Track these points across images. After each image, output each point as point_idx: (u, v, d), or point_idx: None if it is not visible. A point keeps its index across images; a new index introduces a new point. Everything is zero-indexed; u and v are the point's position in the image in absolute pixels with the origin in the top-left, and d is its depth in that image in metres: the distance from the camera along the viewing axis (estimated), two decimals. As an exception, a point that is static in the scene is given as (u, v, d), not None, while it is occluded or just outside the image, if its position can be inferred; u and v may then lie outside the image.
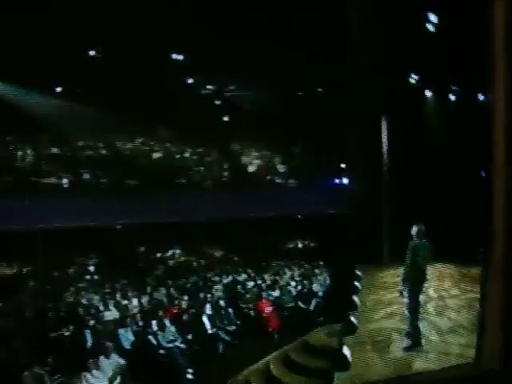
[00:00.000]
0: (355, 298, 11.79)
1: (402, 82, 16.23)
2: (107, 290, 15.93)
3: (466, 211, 14.98)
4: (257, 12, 16.17)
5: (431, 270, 14.72)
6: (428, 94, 17.17)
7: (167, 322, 13.14)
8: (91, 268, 18.94)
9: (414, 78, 16.44)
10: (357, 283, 13.23)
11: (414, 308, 9.05)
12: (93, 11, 15.77)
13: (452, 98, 17.12)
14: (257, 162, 23.31)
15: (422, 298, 9.54)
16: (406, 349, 8.85)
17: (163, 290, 16.38)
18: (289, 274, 18.64)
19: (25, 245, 16.69)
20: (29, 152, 18.37)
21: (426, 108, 17.21)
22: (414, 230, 9.37)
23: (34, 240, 16.85)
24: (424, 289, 9.52)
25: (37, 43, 16.07)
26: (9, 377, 9.61)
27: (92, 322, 13.02)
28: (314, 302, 16.07)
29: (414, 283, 9.12)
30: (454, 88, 17.08)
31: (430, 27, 13.58)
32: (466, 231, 14.53)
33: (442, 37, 13.71)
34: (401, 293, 9.18)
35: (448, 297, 11.90)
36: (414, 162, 16.01)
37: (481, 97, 15.17)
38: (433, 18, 13.29)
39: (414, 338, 8.92)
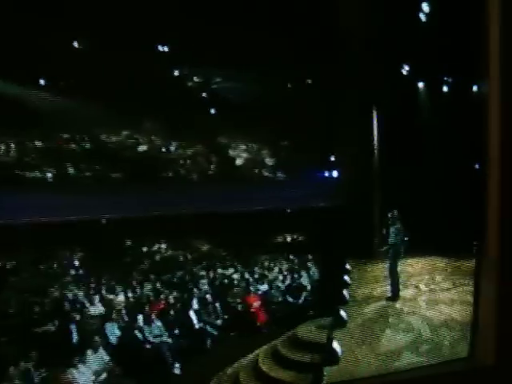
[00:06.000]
0: (345, 292, 11.74)
1: (394, 72, 16.16)
2: (92, 285, 15.73)
3: (459, 203, 14.97)
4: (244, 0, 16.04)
5: (422, 264, 14.80)
6: (420, 85, 17.12)
7: (154, 317, 13.02)
8: (76, 262, 18.69)
9: (405, 69, 16.38)
10: (346, 277, 13.18)
11: (391, 272, 12.02)
12: (77, 2, 15.60)
13: (445, 89, 17.06)
14: (244, 155, 23.16)
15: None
16: (387, 299, 11.75)
17: (149, 285, 16.24)
18: (277, 268, 18.54)
19: (8, 239, 16.45)
20: (12, 145, 18.11)
21: (417, 99, 17.18)
22: (390, 215, 12.47)
23: (18, 234, 16.61)
24: (399, 262, 12.42)
25: (19, 34, 15.81)
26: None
27: (78, 317, 12.84)
28: (303, 296, 16.01)
29: (392, 256, 12.10)
30: (447, 79, 17.02)
31: (422, 16, 13.53)
32: (458, 224, 14.52)
33: (434, 26, 13.66)
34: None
35: (440, 290, 11.90)
36: (405, 154, 15.95)
37: (474, 88, 15.09)
38: (425, 7, 13.23)
39: (393, 292, 11.77)
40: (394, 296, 11.53)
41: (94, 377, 10.39)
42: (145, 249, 21.32)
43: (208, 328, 14.04)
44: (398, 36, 14.26)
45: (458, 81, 16.44)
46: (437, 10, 13.22)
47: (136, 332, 12.51)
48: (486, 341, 6.72)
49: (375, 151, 16.55)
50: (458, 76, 16.30)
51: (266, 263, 19.24)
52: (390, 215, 11.97)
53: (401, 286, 11.90)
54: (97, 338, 11.51)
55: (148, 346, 12.29)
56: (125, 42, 17.46)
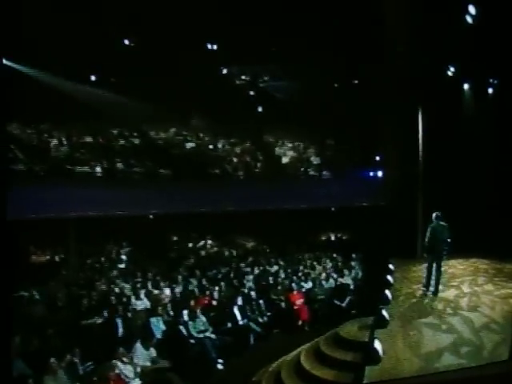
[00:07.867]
0: (387, 292, 11.66)
1: (440, 73, 15.99)
2: (139, 279, 15.96)
3: (503, 206, 14.79)
4: (292, 2, 16.13)
5: (465, 265, 14.64)
6: (466, 86, 16.93)
7: (198, 313, 13.12)
8: (123, 257, 19.01)
9: (451, 70, 16.21)
10: (389, 277, 13.10)
11: (435, 272, 11.85)
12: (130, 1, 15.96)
13: (491, 90, 16.83)
14: (290, 153, 23.22)
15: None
16: (421, 296, 11.85)
17: (194, 281, 16.39)
18: (321, 266, 18.51)
19: (58, 233, 16.86)
20: (63, 140, 18.53)
21: (463, 101, 16.97)
22: (433, 215, 11.88)
23: (67, 228, 17.01)
24: (442, 260, 12.06)
25: (72, 31, 16.16)
26: (41, 364, 9.66)
27: (124, 311, 13.03)
28: (346, 295, 15.93)
29: (434, 255, 11.87)
30: (493, 81, 16.78)
31: (469, 19, 13.42)
32: (502, 227, 14.33)
33: (480, 28, 13.50)
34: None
35: (482, 292, 11.71)
36: (450, 155, 15.76)
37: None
38: (472, 9, 13.13)
39: (427, 288, 11.97)
40: (434, 295, 11.46)
41: (138, 370, 10.54)
42: (191, 245, 21.56)
43: (251, 324, 14.12)
44: (445, 37, 14.13)
45: (505, 82, 16.15)
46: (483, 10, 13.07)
47: (180, 327, 12.63)
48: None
49: (420, 152, 16.37)
50: (505, 77, 16.01)
51: (310, 261, 19.21)
52: (433, 216, 11.76)
53: (443, 287, 11.78)
54: (142, 332, 11.67)
55: (192, 341, 12.41)
56: (175, 39, 17.69)
